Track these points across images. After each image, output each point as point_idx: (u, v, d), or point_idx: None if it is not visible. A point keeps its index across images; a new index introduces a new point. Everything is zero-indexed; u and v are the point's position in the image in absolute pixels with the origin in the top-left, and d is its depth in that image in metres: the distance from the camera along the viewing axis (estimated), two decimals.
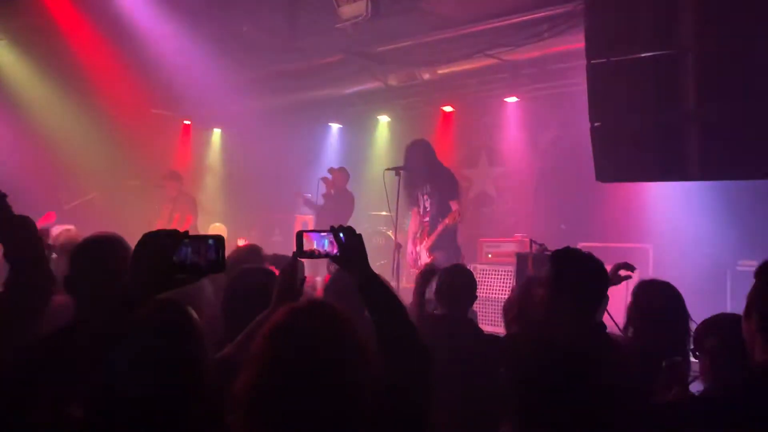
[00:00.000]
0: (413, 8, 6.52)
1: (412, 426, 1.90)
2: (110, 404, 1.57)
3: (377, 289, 2.12)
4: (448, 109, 9.61)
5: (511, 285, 6.16)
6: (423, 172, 6.43)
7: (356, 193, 9.58)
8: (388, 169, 6.41)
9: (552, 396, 1.90)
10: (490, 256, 7.11)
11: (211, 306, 2.83)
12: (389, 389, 1.79)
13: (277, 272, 2.86)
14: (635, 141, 4.63)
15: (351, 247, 2.15)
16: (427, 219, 6.48)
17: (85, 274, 2.45)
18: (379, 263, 7.16)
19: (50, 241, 4.34)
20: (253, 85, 8.80)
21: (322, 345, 1.61)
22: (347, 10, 6.25)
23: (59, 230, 4.94)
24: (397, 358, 1.98)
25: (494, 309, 6.24)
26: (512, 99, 8.99)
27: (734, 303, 6.44)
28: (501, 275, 6.61)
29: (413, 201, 6.61)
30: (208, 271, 1.90)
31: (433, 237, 6.29)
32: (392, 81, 8.21)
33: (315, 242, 2.17)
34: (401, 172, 6.31)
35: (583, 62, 4.93)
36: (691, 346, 2.78)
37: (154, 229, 1.84)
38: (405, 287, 7.16)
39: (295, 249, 2.18)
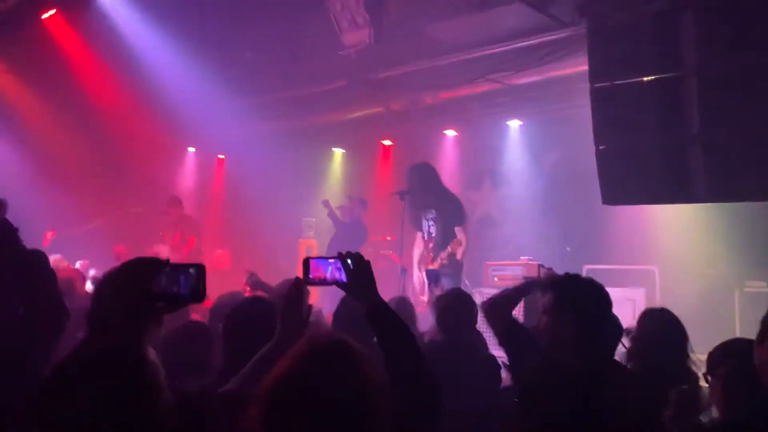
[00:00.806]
0: (415, 34, 6.56)
1: None
2: None
3: (386, 318, 2.09)
4: (451, 132, 9.64)
5: (519, 309, 6.11)
6: (427, 196, 6.36)
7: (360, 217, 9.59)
8: (393, 193, 6.40)
9: (558, 420, 1.87)
10: (496, 279, 7.05)
11: None
12: (397, 418, 1.75)
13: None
14: (640, 163, 4.63)
15: (359, 275, 2.13)
16: (431, 245, 6.43)
17: None
18: (382, 287, 7.08)
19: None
20: (257, 110, 8.84)
21: (345, 391, 1.53)
22: (350, 37, 6.31)
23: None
24: (405, 387, 1.95)
25: None
26: (515, 122, 9.01)
27: (743, 324, 6.38)
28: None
29: (417, 225, 6.56)
30: (188, 301, 1.85)
31: (437, 265, 6.23)
32: (395, 106, 8.25)
33: (322, 269, 2.14)
34: (406, 195, 6.30)
35: (586, 84, 4.95)
36: (703, 371, 2.74)
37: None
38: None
39: (301, 275, 2.15)
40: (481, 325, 3.77)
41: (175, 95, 8.05)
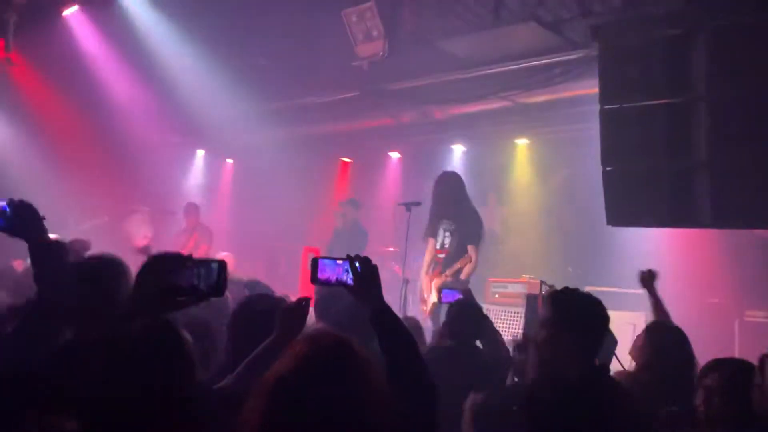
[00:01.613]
0: (429, 49, 6.62)
1: None
2: (102, 417, 1.53)
3: (390, 323, 2.12)
4: (459, 148, 9.69)
5: (519, 326, 6.13)
6: (450, 206, 6.36)
7: (365, 228, 9.60)
8: (400, 204, 6.43)
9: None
10: (497, 296, 7.07)
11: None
12: (396, 423, 1.77)
13: None
14: (647, 186, 4.65)
15: (366, 278, 2.16)
16: (442, 256, 6.40)
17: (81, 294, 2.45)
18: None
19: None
20: (267, 117, 8.90)
21: (347, 391, 1.54)
22: (365, 49, 6.37)
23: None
24: (404, 391, 1.97)
25: None
26: (523, 140, 9.06)
27: (742, 354, 6.36)
28: (509, 316, 6.58)
29: (432, 233, 6.53)
30: (208, 295, 1.91)
31: (444, 278, 6.24)
32: (405, 118, 8.30)
33: (329, 270, 2.17)
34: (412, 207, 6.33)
35: (595, 107, 4.99)
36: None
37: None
38: None
39: (301, 281, 2.19)
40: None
41: (189, 97, 8.12)
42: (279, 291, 4.27)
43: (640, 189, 4.67)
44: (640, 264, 7.33)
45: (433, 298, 6.27)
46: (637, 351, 3.34)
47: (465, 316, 3.80)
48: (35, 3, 6.84)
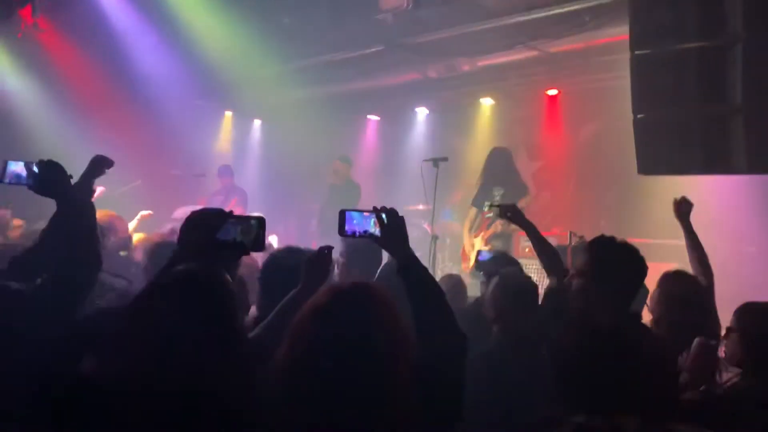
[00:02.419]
0: None
1: (447, 407, 1.91)
2: (151, 363, 1.60)
3: (417, 272, 2.13)
4: (487, 101, 9.55)
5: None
6: (499, 176, 6.71)
7: (392, 185, 9.58)
8: (426, 159, 6.40)
9: (593, 380, 1.89)
10: (527, 250, 7.05)
11: None
12: (425, 371, 1.80)
13: None
14: (679, 133, 4.54)
15: (393, 229, 2.17)
16: (490, 215, 6.59)
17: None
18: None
19: None
20: (293, 76, 8.86)
21: (363, 329, 1.61)
22: (388, 1, 6.26)
23: None
24: (433, 341, 1.99)
25: None
26: (553, 92, 8.89)
27: None
28: (539, 268, 6.56)
29: (478, 203, 6.81)
30: (250, 250, 1.99)
31: (490, 232, 6.37)
32: (431, 73, 8.18)
33: (357, 222, 2.19)
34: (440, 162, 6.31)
35: (626, 55, 4.85)
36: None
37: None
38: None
39: (337, 229, 2.20)
40: None
41: (214, 59, 8.12)
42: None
43: (672, 136, 4.56)
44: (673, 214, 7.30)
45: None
46: (651, 304, 3.30)
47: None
48: None
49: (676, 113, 4.55)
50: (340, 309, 1.63)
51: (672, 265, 6.48)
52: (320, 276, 2.27)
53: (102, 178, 3.01)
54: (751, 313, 2.64)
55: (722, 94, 4.33)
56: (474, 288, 4.85)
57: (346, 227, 2.19)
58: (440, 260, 7.05)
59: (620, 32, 5.40)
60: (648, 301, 3.39)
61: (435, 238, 6.43)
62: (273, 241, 9.50)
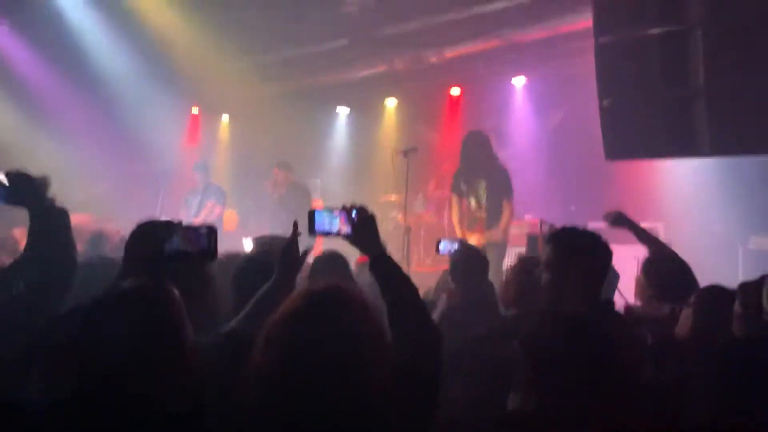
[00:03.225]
0: None
1: (424, 403, 1.92)
2: (94, 380, 1.56)
3: (389, 269, 2.12)
4: (455, 91, 9.58)
5: None
6: (481, 165, 6.40)
7: (364, 177, 9.57)
8: (398, 150, 6.40)
9: (561, 368, 1.91)
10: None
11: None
12: (400, 368, 1.80)
13: None
14: (644, 118, 4.61)
15: (364, 226, 2.16)
16: (483, 215, 6.37)
17: None
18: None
19: None
20: (260, 70, 8.79)
21: (338, 333, 1.59)
22: None
23: None
24: (407, 337, 1.99)
25: None
26: (520, 80, 8.95)
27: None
28: (511, 257, 6.61)
29: (458, 191, 6.52)
30: (199, 260, 1.94)
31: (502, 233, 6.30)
32: (399, 65, 8.18)
33: (327, 221, 2.18)
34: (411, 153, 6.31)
35: (592, 41, 4.91)
36: None
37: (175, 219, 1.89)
38: (415, 271, 7.18)
39: (307, 229, 2.19)
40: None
41: (177, 53, 8.00)
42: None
43: (638, 121, 4.64)
44: (643, 196, 7.42)
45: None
46: (637, 285, 3.35)
47: (468, 261, 3.83)
48: None
49: (641, 98, 4.63)
50: (315, 313, 1.61)
51: (641, 248, 6.64)
52: (293, 267, 2.27)
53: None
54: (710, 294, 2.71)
55: (685, 79, 4.40)
56: None
57: (316, 227, 2.18)
58: (413, 252, 7.07)
59: (584, 19, 5.45)
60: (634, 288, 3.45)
61: (408, 229, 6.44)
62: (232, 217, 9.41)
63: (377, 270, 2.12)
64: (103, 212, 7.38)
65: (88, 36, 7.87)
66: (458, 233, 6.48)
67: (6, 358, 1.90)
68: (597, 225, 6.37)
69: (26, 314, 2.19)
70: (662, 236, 6.94)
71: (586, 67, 5.56)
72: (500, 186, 6.33)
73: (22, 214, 2.34)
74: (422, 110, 10.06)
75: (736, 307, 2.49)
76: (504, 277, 3.67)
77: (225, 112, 11.20)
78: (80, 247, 3.38)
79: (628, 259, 5.59)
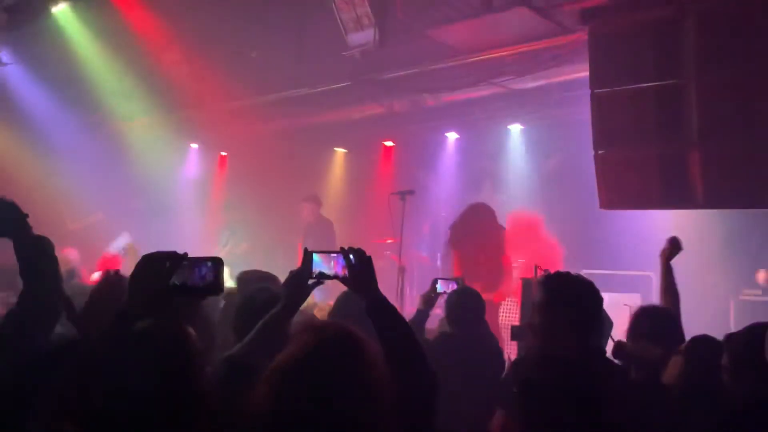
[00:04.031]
0: (420, 37, 6.61)
1: None
2: (104, 419, 1.52)
3: (386, 313, 2.14)
4: (452, 135, 9.70)
5: (516, 310, 6.17)
6: (478, 235, 6.50)
7: (360, 218, 9.60)
8: (394, 193, 6.45)
9: (555, 413, 1.93)
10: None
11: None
12: (398, 410, 1.79)
13: None
14: (638, 169, 4.68)
15: (361, 270, 2.17)
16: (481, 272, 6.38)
17: None
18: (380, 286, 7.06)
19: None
20: (260, 109, 8.88)
21: (350, 378, 1.56)
22: (355, 38, 6.36)
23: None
24: (404, 380, 1.99)
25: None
26: (516, 126, 9.08)
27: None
28: (506, 302, 6.62)
29: (455, 245, 6.62)
30: (206, 294, 1.92)
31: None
32: (397, 107, 8.29)
33: (324, 263, 2.19)
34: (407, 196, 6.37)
35: (587, 91, 5.01)
36: None
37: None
38: (409, 311, 7.16)
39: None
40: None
41: (180, 91, 8.11)
42: (277, 284, 4.29)
43: (632, 172, 4.71)
44: (636, 245, 7.46)
45: None
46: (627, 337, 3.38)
47: (464, 303, 3.83)
48: (25, 1, 6.81)
49: (636, 149, 4.70)
50: (324, 361, 1.57)
51: (632, 296, 6.66)
52: (300, 294, 2.25)
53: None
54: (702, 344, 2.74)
55: (679, 132, 4.49)
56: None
57: (314, 269, 2.19)
58: (407, 292, 7.06)
59: (581, 70, 5.56)
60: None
61: (402, 270, 6.45)
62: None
63: (374, 313, 2.13)
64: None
65: (93, 68, 7.98)
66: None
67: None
68: (590, 271, 6.46)
69: (16, 343, 2.18)
70: (653, 285, 7.04)
71: (581, 117, 5.67)
72: (498, 247, 6.48)
73: None
74: (419, 153, 10.18)
75: (724, 359, 2.52)
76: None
77: (223, 150, 11.29)
78: None
79: (619, 307, 5.63)
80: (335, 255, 2.19)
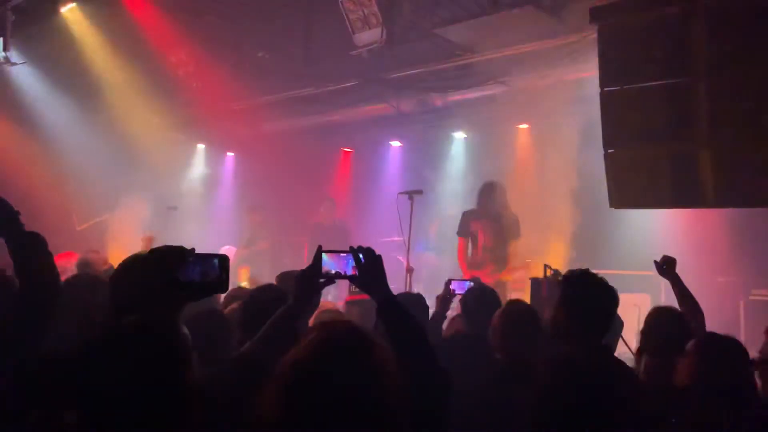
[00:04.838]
0: (427, 36, 6.60)
1: None
2: (101, 411, 1.51)
3: (397, 312, 2.12)
4: (459, 134, 9.67)
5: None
6: (493, 213, 6.76)
7: (367, 218, 9.58)
8: (402, 193, 6.44)
9: (567, 414, 1.91)
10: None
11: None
12: (408, 409, 1.77)
13: None
14: (649, 168, 4.65)
15: (371, 269, 2.15)
16: (488, 256, 6.72)
17: None
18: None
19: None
20: (267, 109, 8.89)
21: (359, 379, 1.53)
22: (363, 37, 6.35)
23: None
24: (414, 379, 1.97)
25: None
26: (524, 126, 9.04)
27: (748, 332, 6.38)
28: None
29: (464, 232, 6.87)
30: (212, 291, 1.91)
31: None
32: (404, 107, 8.28)
33: (334, 262, 2.18)
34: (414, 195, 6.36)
35: (596, 90, 4.98)
36: None
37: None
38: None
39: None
40: None
41: (188, 92, 8.11)
42: None
43: (642, 171, 4.67)
44: (645, 245, 7.41)
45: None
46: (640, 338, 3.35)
47: (484, 303, 3.78)
48: (33, 1, 6.83)
49: (646, 148, 4.67)
50: (334, 358, 1.54)
51: (642, 297, 6.62)
52: (310, 291, 2.24)
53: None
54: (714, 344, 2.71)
55: (689, 130, 4.46)
56: None
57: (324, 268, 2.17)
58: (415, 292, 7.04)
59: (590, 69, 5.53)
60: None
61: (411, 270, 6.44)
62: (231, 253, 9.51)
63: (385, 314, 2.11)
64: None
65: (101, 67, 7.99)
66: (464, 274, 6.57)
67: None
68: (599, 272, 6.42)
69: (14, 339, 2.18)
70: (663, 286, 6.99)
71: (590, 115, 5.63)
72: (509, 229, 6.62)
73: None
74: (426, 153, 10.16)
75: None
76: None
77: (230, 150, 11.30)
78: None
79: (629, 307, 5.60)
80: (345, 254, 2.17)
